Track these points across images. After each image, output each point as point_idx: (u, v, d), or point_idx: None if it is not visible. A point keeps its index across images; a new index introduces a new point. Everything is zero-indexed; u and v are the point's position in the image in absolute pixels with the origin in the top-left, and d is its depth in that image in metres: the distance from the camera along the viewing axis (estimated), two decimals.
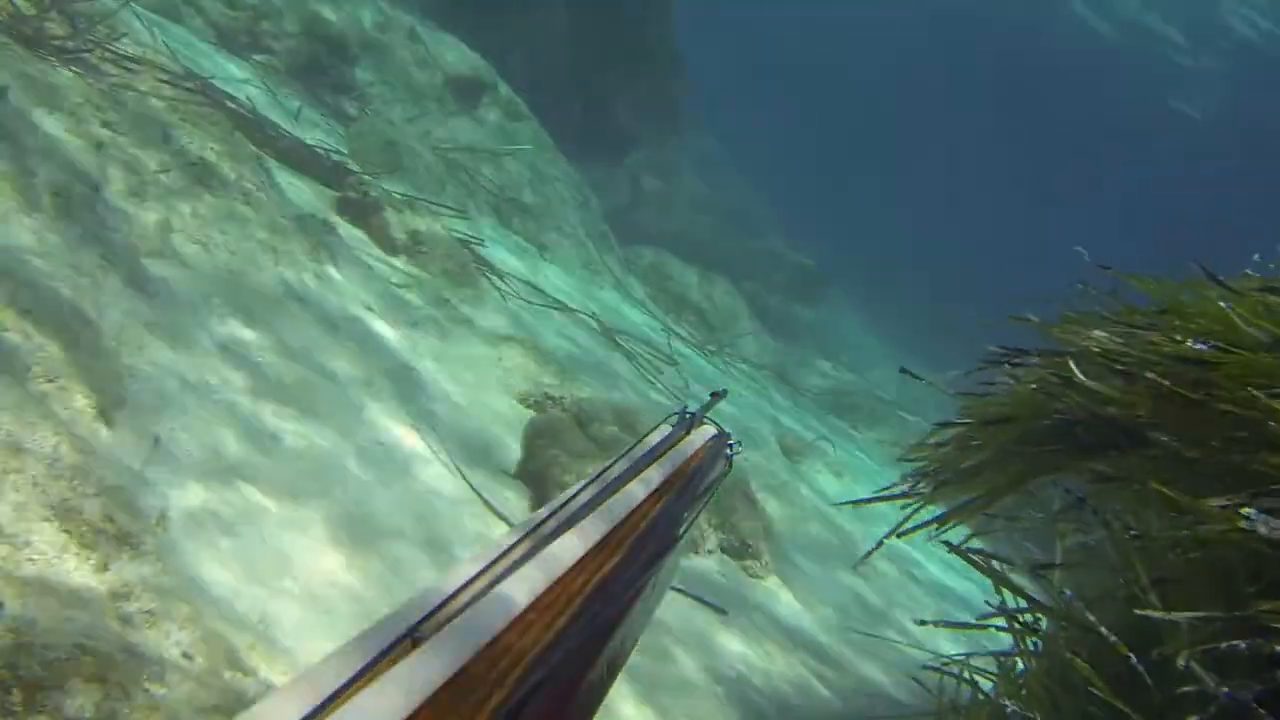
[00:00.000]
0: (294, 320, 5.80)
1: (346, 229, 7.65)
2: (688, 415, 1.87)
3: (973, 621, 4.37)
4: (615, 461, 1.54)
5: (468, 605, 1.05)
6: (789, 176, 31.03)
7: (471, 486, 5.44)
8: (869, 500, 4.86)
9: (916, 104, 43.32)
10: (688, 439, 1.79)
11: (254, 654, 2.97)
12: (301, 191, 7.68)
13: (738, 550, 6.71)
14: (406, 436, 5.50)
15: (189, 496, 3.82)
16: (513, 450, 6.10)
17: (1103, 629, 3.65)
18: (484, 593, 1.08)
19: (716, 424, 1.94)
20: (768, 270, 19.67)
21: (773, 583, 6.80)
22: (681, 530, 1.55)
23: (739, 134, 30.59)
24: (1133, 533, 3.65)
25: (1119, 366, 3.78)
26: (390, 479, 5.01)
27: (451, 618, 1.02)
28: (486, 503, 5.40)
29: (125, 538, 2.86)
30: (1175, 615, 3.23)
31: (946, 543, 4.43)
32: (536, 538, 1.22)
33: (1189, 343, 3.58)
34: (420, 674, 0.93)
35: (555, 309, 9.84)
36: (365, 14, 12.23)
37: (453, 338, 7.15)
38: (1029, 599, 4.26)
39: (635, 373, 9.80)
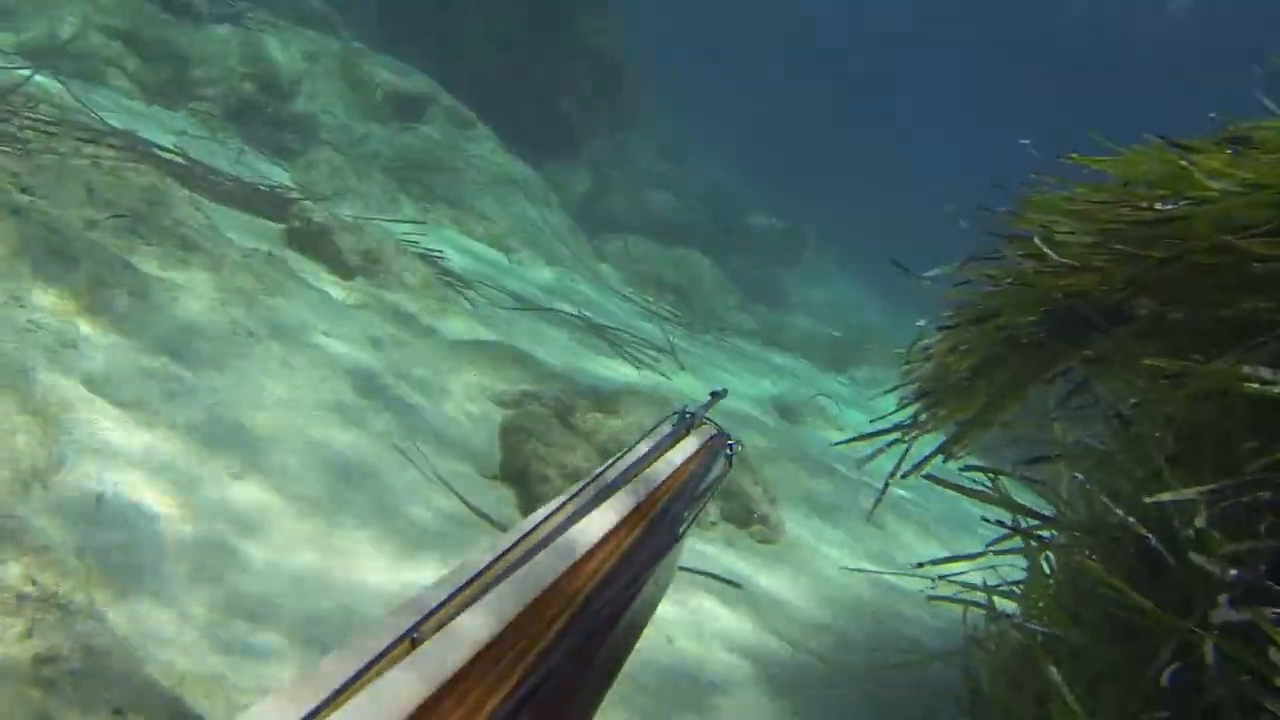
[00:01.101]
0: (247, 359, 5.60)
1: (295, 259, 7.44)
2: (688, 415, 1.87)
3: (975, 552, 4.20)
4: (615, 462, 1.56)
5: (468, 606, 1.05)
6: (759, 150, 30.88)
7: (463, 500, 5.25)
8: (865, 437, 4.67)
9: (877, 46, 43.33)
10: (687, 439, 1.80)
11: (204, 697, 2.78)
12: (245, 228, 7.48)
13: (742, 518, 6.52)
14: (383, 455, 5.32)
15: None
16: (492, 453, 5.90)
17: (1119, 511, 3.49)
18: (483, 594, 1.07)
19: (716, 424, 1.94)
20: (745, 240, 19.49)
21: (783, 545, 6.61)
22: (682, 530, 1.56)
23: (705, 114, 30.47)
24: (1131, 403, 3.47)
25: (1088, 239, 3.64)
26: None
27: (451, 618, 1.02)
28: (475, 510, 5.21)
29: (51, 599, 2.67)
30: (1185, 493, 3.07)
31: (930, 476, 4.27)
32: (535, 539, 1.22)
33: (1156, 205, 3.42)
34: (420, 674, 0.93)
35: (525, 310, 9.65)
36: (293, 47, 12.05)
37: (418, 350, 6.95)
38: (1034, 513, 4.09)
39: (617, 359, 9.61)
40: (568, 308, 10.42)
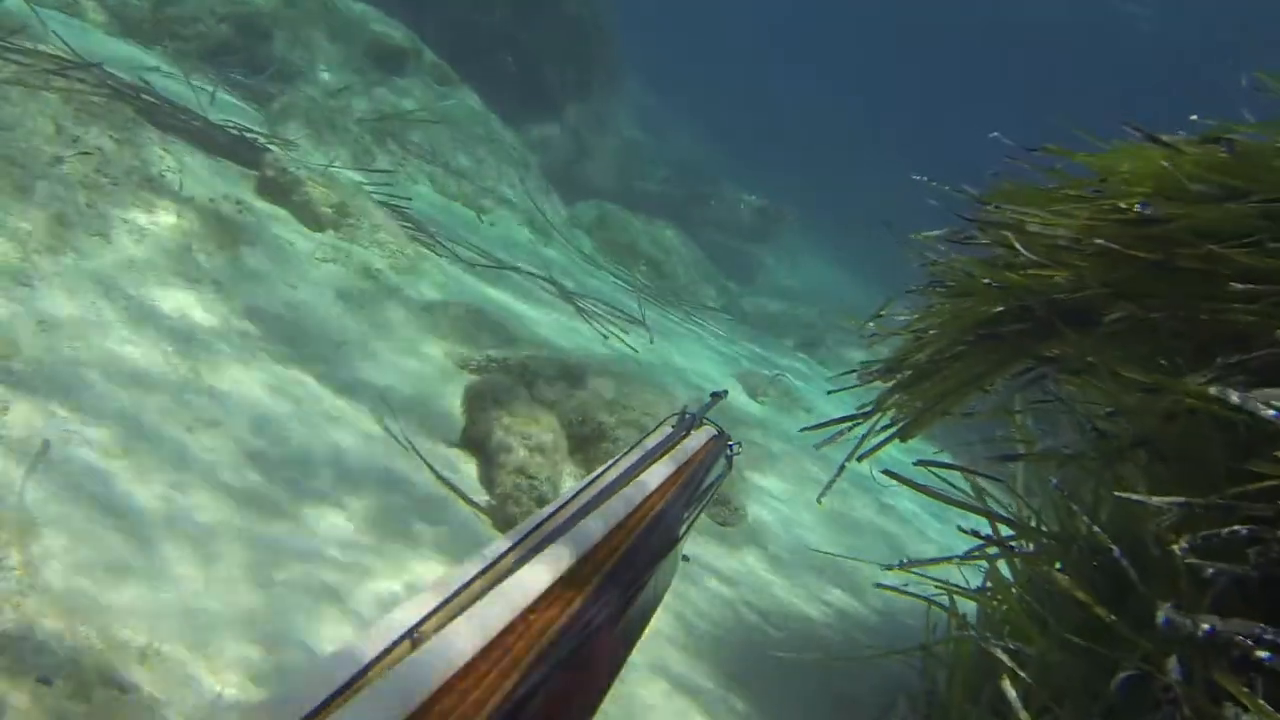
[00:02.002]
0: (212, 307, 5.47)
1: (266, 208, 7.30)
2: (688, 416, 1.90)
3: (942, 557, 4.15)
4: (616, 462, 1.57)
5: (468, 606, 1.05)
6: (738, 126, 30.77)
7: (426, 462, 5.16)
8: (829, 424, 4.60)
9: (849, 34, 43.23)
10: (687, 440, 1.81)
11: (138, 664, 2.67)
12: (216, 174, 7.32)
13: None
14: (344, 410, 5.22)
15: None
16: (456, 419, 5.80)
17: (1088, 521, 3.44)
18: (484, 594, 1.08)
19: (716, 425, 1.96)
20: (719, 214, 19.39)
21: (745, 527, 6.55)
22: (682, 531, 1.59)
23: (683, 83, 30.31)
24: (1107, 412, 3.40)
25: (1062, 239, 3.57)
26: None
27: (451, 618, 1.02)
28: (442, 478, 5.11)
29: None
30: (1156, 500, 3.01)
31: (889, 472, 4.21)
32: (536, 539, 1.23)
33: (1135, 207, 3.35)
34: (419, 674, 0.93)
35: (496, 267, 9.53)
36: None
37: (385, 308, 6.83)
38: (1007, 520, 4.04)
39: (586, 328, 9.51)
40: (538, 271, 10.30)
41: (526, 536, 1.23)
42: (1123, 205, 3.49)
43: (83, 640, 2.57)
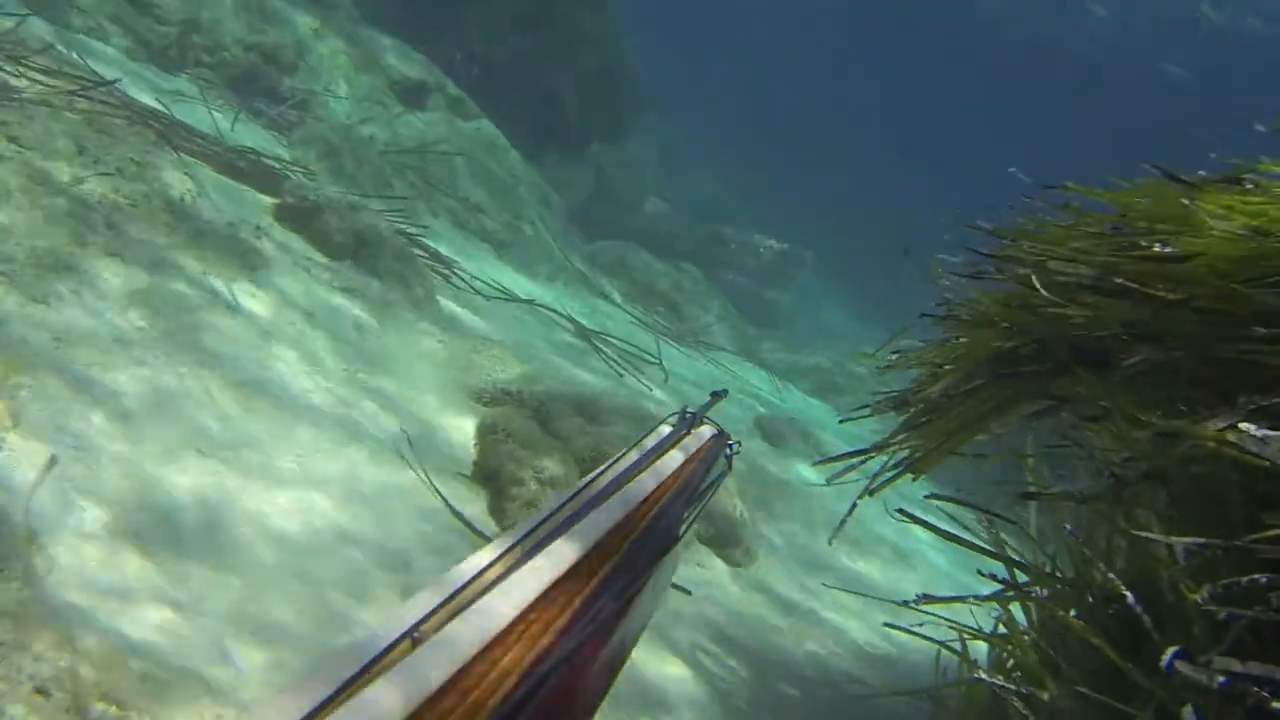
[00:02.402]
0: (222, 333, 5.46)
1: (284, 234, 7.30)
2: (688, 415, 1.89)
3: (955, 596, 4.09)
4: (615, 461, 1.56)
5: (468, 605, 1.05)
6: (757, 163, 30.78)
7: (441, 496, 5.12)
8: (842, 457, 4.57)
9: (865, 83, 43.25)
10: (687, 439, 1.80)
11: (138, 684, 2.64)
12: (235, 198, 7.33)
13: (716, 540, 6.39)
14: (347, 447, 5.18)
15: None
16: (468, 451, 5.77)
17: (1100, 564, 3.38)
18: (484, 593, 1.08)
19: (716, 424, 1.95)
20: (739, 256, 19.37)
21: (756, 570, 6.49)
22: (682, 530, 1.56)
23: (705, 123, 30.37)
24: (1124, 458, 3.34)
25: (1084, 279, 3.53)
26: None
27: (451, 618, 1.02)
28: (454, 511, 5.08)
29: None
30: (1174, 540, 2.96)
31: (904, 511, 4.17)
32: (536, 539, 1.23)
33: (1156, 247, 3.32)
34: (420, 674, 0.93)
35: (511, 300, 9.52)
36: (300, 22, 11.89)
37: (401, 339, 6.81)
38: (1023, 565, 3.99)
39: (601, 364, 9.48)
40: (555, 307, 10.29)
41: (527, 536, 1.23)
42: (1143, 243, 3.46)
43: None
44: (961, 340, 4.15)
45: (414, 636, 0.98)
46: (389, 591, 4.17)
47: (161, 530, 3.73)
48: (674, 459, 1.70)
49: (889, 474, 4.39)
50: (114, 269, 5.29)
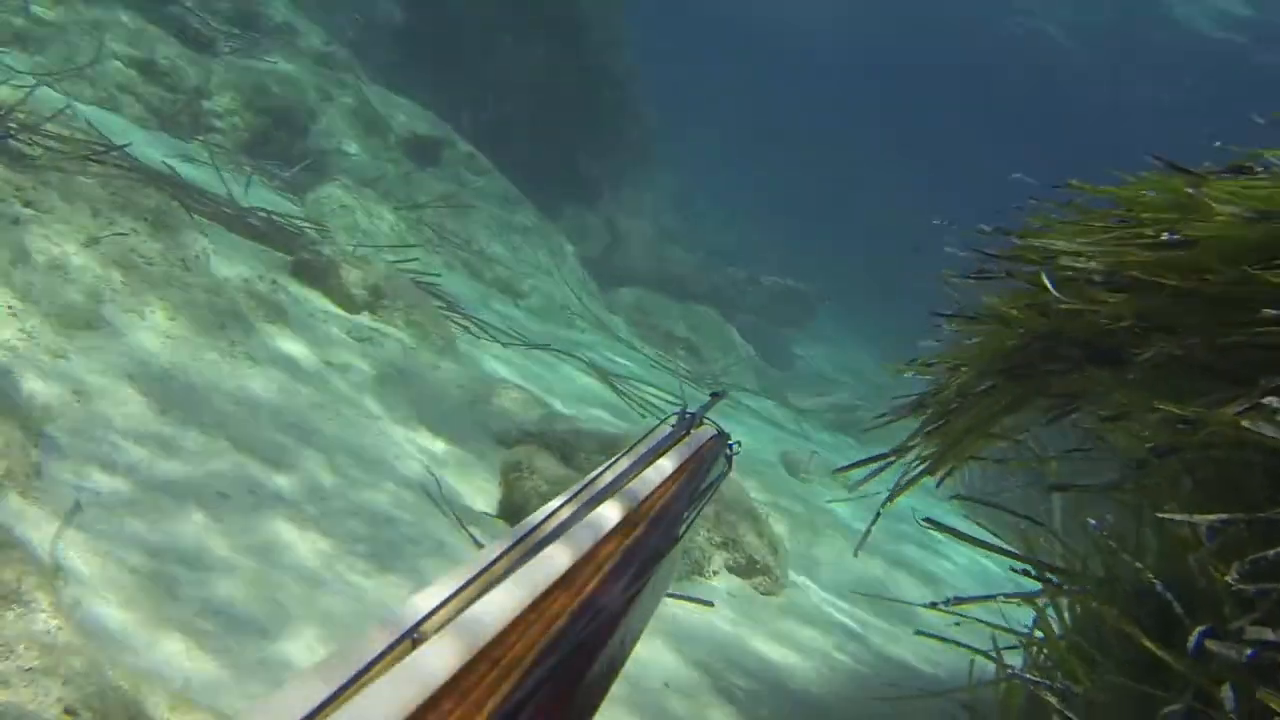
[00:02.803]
0: (244, 384, 5.49)
1: (300, 290, 7.35)
2: (687, 415, 1.88)
3: (984, 595, 4.05)
4: (615, 462, 1.55)
5: (468, 606, 1.05)
6: (774, 207, 30.92)
7: (469, 533, 5.12)
8: (862, 463, 4.55)
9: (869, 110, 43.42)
10: (687, 439, 1.80)
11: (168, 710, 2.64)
12: (251, 256, 7.39)
13: (745, 569, 6.37)
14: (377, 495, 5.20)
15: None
16: (494, 490, 5.78)
17: (1125, 555, 3.36)
18: (484, 593, 1.08)
19: (716, 424, 1.94)
20: (755, 298, 19.42)
21: (785, 598, 6.46)
22: (681, 530, 1.55)
23: (714, 169, 30.52)
24: (1148, 448, 3.31)
25: (1096, 275, 3.52)
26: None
27: (451, 618, 1.02)
28: (477, 543, 5.08)
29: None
30: (1198, 518, 2.94)
31: (930, 520, 4.14)
32: (536, 539, 1.22)
33: (1164, 236, 3.31)
34: (420, 674, 0.92)
35: (530, 346, 9.55)
36: (309, 84, 12.02)
37: (421, 386, 6.84)
38: (1053, 567, 3.96)
39: (622, 405, 9.49)
40: (576, 353, 10.32)
41: (526, 536, 1.22)
42: (1149, 233, 3.45)
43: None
44: (975, 341, 4.14)
45: (414, 637, 0.97)
46: None
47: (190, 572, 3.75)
48: (673, 460, 1.69)
49: (912, 474, 4.37)
50: (133, 325, 5.33)
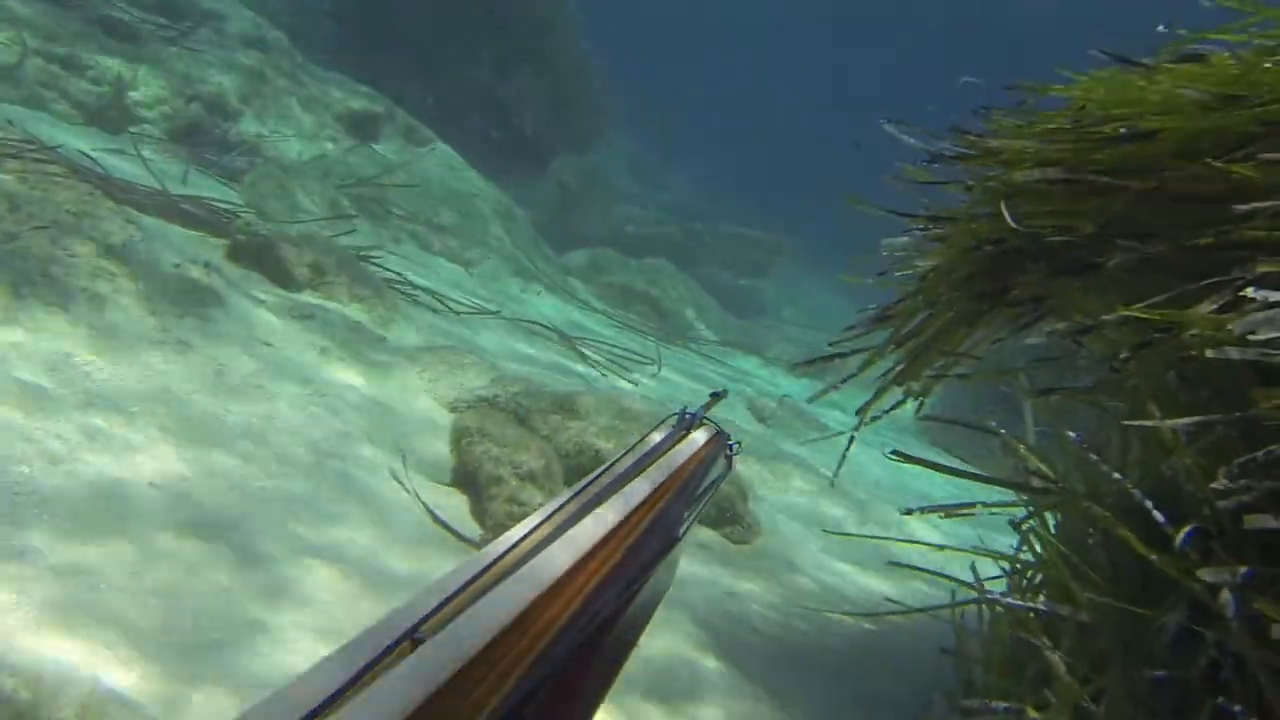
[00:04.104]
0: (171, 372, 5.26)
1: (236, 271, 7.11)
2: (687, 415, 1.86)
3: (965, 503, 3.87)
4: (614, 462, 1.54)
5: (468, 605, 1.03)
6: (727, 159, 30.82)
7: (429, 509, 4.91)
8: (826, 358, 4.39)
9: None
10: (687, 439, 1.77)
11: None
12: (186, 243, 7.14)
13: (715, 519, 6.19)
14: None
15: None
16: (445, 457, 5.57)
17: (1117, 475, 3.19)
18: (484, 593, 1.06)
19: (716, 424, 1.91)
20: (715, 251, 19.22)
21: (757, 545, 6.28)
22: (682, 531, 1.55)
23: (673, 126, 30.36)
24: (1123, 356, 3.11)
25: (1054, 180, 3.33)
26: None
27: (452, 618, 1.00)
28: (436, 518, 4.87)
29: None
30: (1171, 422, 2.76)
31: (898, 453, 3.96)
32: (535, 540, 1.21)
33: (1121, 129, 3.13)
34: (420, 674, 0.90)
35: (481, 314, 9.34)
36: (239, 69, 11.74)
37: (368, 358, 6.61)
38: (1040, 475, 3.78)
39: (581, 367, 9.30)
40: (529, 317, 10.12)
41: (526, 537, 1.20)
42: (1106, 131, 3.26)
43: None
44: (936, 248, 3.98)
45: (414, 637, 0.94)
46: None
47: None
48: (673, 460, 1.65)
49: (884, 403, 4.22)
50: (55, 321, 5.10)
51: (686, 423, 1.83)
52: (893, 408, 4.30)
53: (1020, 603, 3.48)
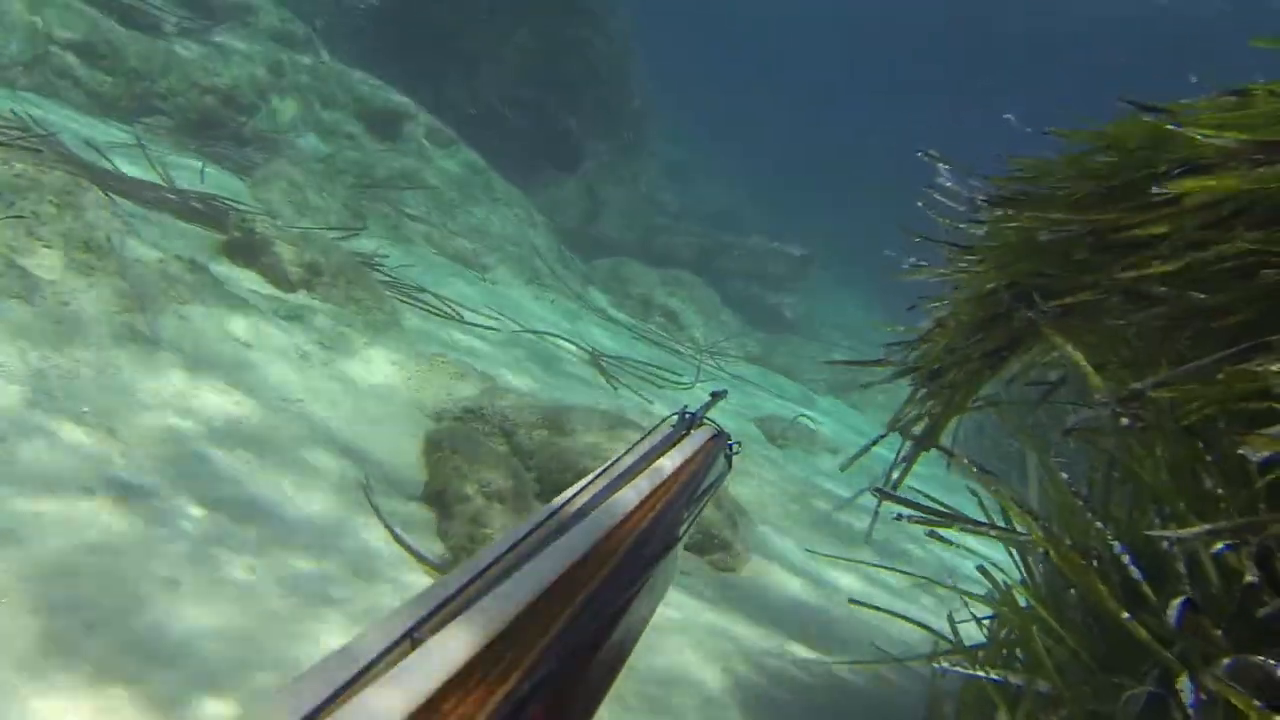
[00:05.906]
0: (136, 371, 5.06)
1: (229, 269, 6.92)
2: (687, 416, 1.87)
3: (953, 514, 3.68)
4: (615, 462, 1.56)
5: (467, 607, 1.05)
6: (766, 171, 30.68)
7: (394, 534, 4.68)
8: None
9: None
10: (687, 439, 1.79)
11: None
12: (180, 237, 6.97)
13: (701, 545, 5.94)
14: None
15: None
16: (417, 470, 5.35)
17: (1089, 515, 2.97)
18: (484, 593, 1.08)
19: (716, 424, 1.93)
20: (745, 263, 19.00)
21: (746, 572, 6.03)
22: (682, 531, 1.55)
23: (713, 140, 30.26)
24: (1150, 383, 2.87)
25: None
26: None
27: (452, 618, 1.02)
28: (396, 536, 4.63)
29: None
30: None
31: (880, 490, 3.77)
32: (536, 540, 1.22)
33: (1153, 190, 2.88)
34: (420, 674, 0.92)
35: (490, 322, 9.13)
36: (260, 61, 11.59)
37: (352, 364, 6.39)
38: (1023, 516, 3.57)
39: (592, 379, 9.07)
40: (540, 325, 9.90)
41: (526, 537, 1.21)
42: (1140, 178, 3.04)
43: None
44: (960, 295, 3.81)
45: (414, 637, 0.97)
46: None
47: None
48: (673, 460, 1.68)
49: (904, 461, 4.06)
50: (18, 311, 4.92)
51: (686, 423, 1.85)
52: (913, 457, 4.15)
53: (972, 672, 3.24)
